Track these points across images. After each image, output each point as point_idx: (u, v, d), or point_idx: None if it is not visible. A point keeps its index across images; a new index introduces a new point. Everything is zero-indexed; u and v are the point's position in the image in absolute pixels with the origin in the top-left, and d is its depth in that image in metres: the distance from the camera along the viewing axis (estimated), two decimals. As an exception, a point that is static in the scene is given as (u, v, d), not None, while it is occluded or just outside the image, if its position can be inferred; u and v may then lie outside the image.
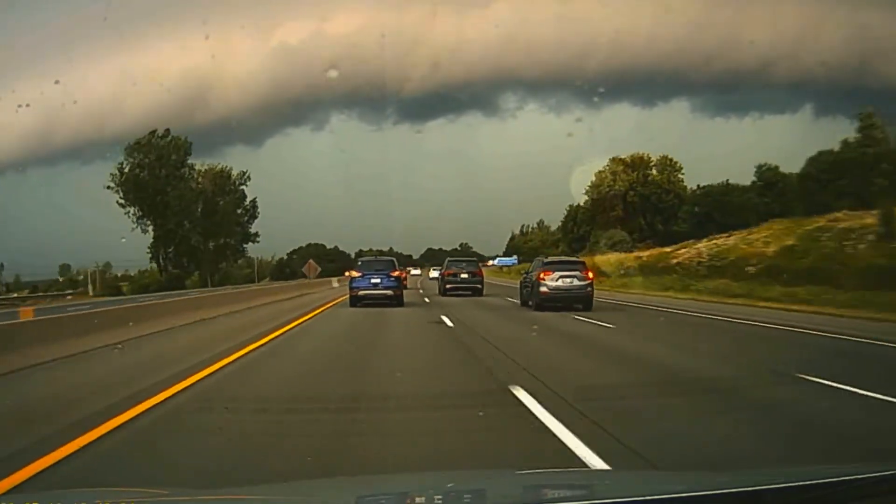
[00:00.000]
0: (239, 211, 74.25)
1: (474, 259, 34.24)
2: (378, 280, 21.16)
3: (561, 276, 19.15)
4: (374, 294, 21.01)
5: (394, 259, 23.10)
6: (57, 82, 63.78)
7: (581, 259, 25.14)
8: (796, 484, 2.13)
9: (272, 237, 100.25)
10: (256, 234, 75.66)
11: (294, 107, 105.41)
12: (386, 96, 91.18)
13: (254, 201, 76.31)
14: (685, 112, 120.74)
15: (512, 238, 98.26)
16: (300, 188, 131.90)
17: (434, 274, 53.55)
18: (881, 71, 55.97)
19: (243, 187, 74.35)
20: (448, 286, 28.64)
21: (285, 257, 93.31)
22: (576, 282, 19.17)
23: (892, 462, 2.24)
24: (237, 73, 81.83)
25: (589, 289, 19.38)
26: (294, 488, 2.97)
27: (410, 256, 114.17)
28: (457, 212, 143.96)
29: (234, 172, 72.40)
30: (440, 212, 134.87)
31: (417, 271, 70.52)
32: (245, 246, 75.30)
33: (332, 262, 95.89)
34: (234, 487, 3.42)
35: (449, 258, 32.30)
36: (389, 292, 21.10)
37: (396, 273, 21.71)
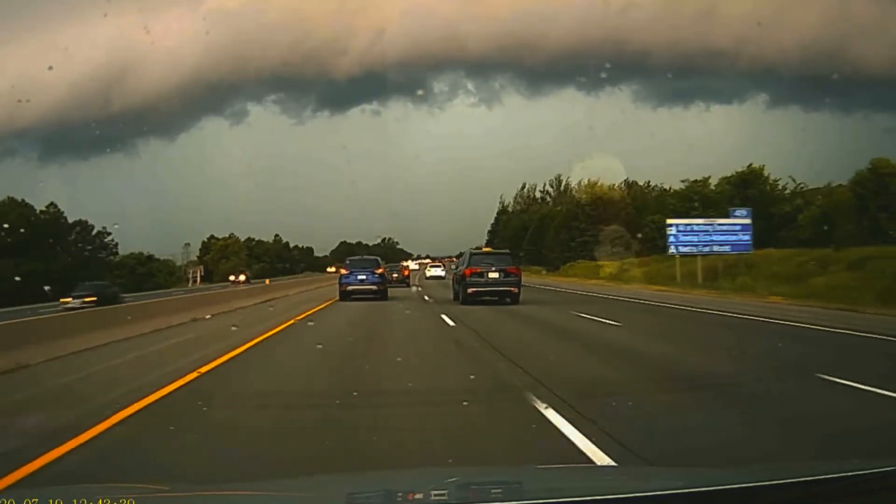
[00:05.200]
0: None
1: (507, 252, 25.03)
2: (364, 276, 23.96)
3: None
4: (361, 289, 23.61)
5: (378, 258, 26.75)
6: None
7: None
8: (794, 480, 2.20)
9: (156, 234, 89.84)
10: None
11: (213, 94, 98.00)
12: (320, 73, 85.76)
13: None
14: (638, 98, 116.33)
15: (503, 211, 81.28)
16: (208, 179, 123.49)
17: (434, 272, 50.97)
18: (858, 54, 59.14)
19: None
20: (470, 290, 21.33)
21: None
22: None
23: (890, 459, 2.35)
24: (166, 49, 75.85)
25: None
26: (289, 485, 3.06)
27: (311, 250, 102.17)
28: (379, 205, 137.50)
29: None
30: (359, 205, 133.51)
31: (416, 267, 69.15)
32: None
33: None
34: (233, 483, 3.60)
35: (472, 252, 23.39)
36: (374, 287, 23.84)
37: (380, 270, 24.75)
